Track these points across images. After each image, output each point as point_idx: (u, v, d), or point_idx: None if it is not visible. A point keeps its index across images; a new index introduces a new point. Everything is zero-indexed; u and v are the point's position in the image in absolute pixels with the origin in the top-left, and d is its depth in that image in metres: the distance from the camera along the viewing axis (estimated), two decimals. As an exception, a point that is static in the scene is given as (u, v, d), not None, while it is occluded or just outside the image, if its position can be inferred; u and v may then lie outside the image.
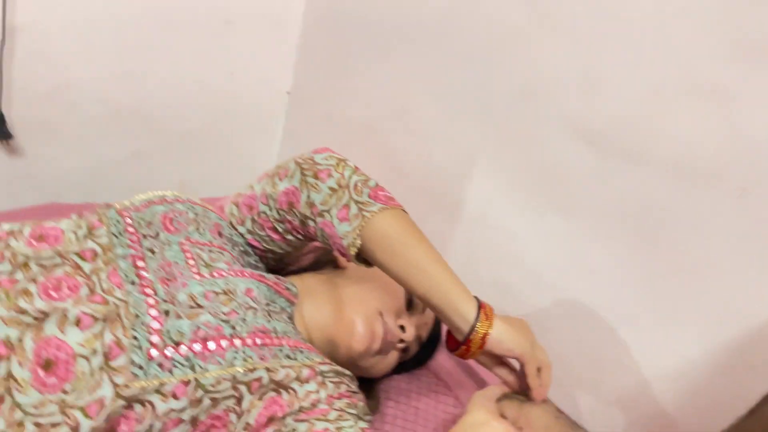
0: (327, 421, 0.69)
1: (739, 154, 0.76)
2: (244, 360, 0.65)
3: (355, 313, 0.82)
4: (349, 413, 0.72)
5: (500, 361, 0.78)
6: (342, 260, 0.94)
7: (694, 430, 0.85)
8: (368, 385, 0.91)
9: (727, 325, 0.79)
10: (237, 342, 0.65)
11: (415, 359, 0.95)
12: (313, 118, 1.59)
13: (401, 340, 0.85)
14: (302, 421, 0.69)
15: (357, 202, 0.77)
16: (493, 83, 1.08)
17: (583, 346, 0.97)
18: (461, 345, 0.74)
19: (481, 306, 0.74)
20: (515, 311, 1.08)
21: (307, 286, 0.87)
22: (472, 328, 0.72)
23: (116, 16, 1.31)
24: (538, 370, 0.75)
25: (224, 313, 0.66)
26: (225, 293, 0.68)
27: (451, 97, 1.17)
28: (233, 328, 0.66)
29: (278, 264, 0.93)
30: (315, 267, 0.95)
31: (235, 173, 1.71)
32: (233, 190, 1.63)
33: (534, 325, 1.04)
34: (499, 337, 0.73)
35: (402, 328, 0.85)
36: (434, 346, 0.99)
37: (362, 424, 0.72)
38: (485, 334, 0.72)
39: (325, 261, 0.96)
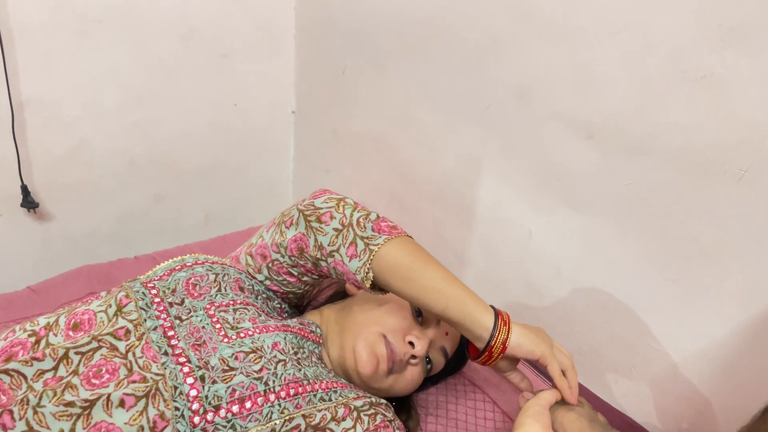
0: None
1: (736, 137, 0.76)
2: (281, 412, 0.69)
3: (357, 339, 0.84)
4: None
5: (515, 368, 0.81)
6: (351, 289, 0.97)
7: (729, 406, 0.87)
8: (405, 404, 0.94)
9: (747, 303, 0.80)
10: (272, 397, 0.69)
11: (449, 368, 0.97)
12: (321, 134, 1.61)
13: (413, 356, 0.86)
14: None
15: (362, 238, 0.79)
16: (487, 87, 1.09)
17: (612, 335, 0.99)
18: (483, 353, 0.77)
19: (498, 314, 0.77)
20: (541, 306, 1.10)
21: (326, 321, 0.90)
22: (492, 336, 0.75)
23: (118, 73, 1.35)
24: (563, 373, 0.77)
25: (256, 372, 0.70)
26: (254, 351, 0.72)
27: (448, 103, 1.18)
28: (266, 384, 0.69)
29: (300, 301, 0.96)
30: (334, 298, 0.98)
31: (256, 198, 1.76)
32: (256, 215, 1.69)
33: (561, 318, 1.07)
34: (518, 341, 0.75)
35: (411, 344, 0.86)
36: (462, 358, 1.01)
37: None
38: (505, 339, 0.75)
39: (339, 292, 0.99)
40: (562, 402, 0.78)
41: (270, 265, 0.88)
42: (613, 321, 0.98)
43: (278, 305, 0.90)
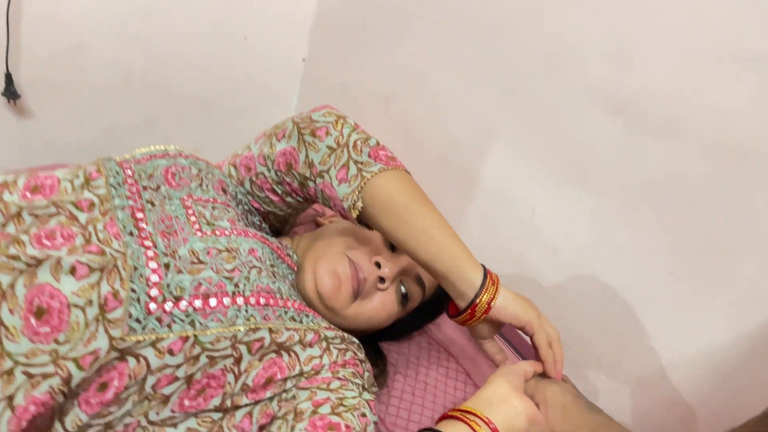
0: (329, 390, 0.67)
1: (778, 128, 0.71)
2: (247, 319, 0.62)
3: (316, 260, 0.78)
4: (353, 383, 0.69)
5: (493, 337, 0.77)
6: (323, 220, 0.91)
7: (715, 416, 0.82)
8: (376, 356, 0.88)
9: (756, 309, 0.75)
10: (239, 300, 0.63)
11: (416, 318, 0.91)
12: (329, 86, 1.55)
13: (382, 279, 0.80)
14: (304, 388, 0.67)
15: (357, 162, 0.73)
16: (515, 53, 1.03)
17: (603, 326, 0.94)
18: (465, 310, 0.72)
19: (487, 272, 0.72)
20: (532, 288, 1.05)
21: (300, 249, 0.84)
22: (478, 294, 0.70)
23: (128, -24, 1.27)
24: (549, 345, 0.73)
25: (227, 270, 0.63)
26: (228, 251, 0.66)
27: (471, 68, 1.12)
28: (236, 285, 0.63)
29: (281, 226, 0.90)
30: (308, 229, 0.92)
31: (249, 140, 1.68)
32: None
33: (551, 303, 1.02)
34: (505, 303, 0.71)
35: (378, 265, 0.80)
36: (437, 305, 0.92)
37: (367, 396, 0.69)
38: (491, 300, 0.70)
39: (317, 224, 0.94)
40: (545, 376, 0.73)
41: (254, 178, 0.81)
42: (606, 312, 0.93)
43: (258, 222, 0.84)
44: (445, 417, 0.64)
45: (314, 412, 0.64)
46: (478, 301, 0.70)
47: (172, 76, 1.45)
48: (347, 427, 0.64)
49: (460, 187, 1.16)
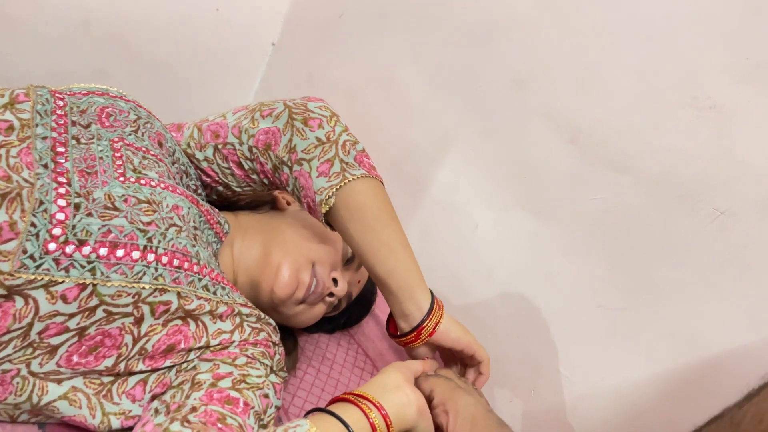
0: (233, 365, 0.63)
1: (725, 176, 0.72)
2: (155, 278, 0.57)
3: (284, 257, 0.76)
4: (261, 362, 0.65)
5: (431, 356, 0.79)
6: (282, 202, 0.88)
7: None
8: (291, 340, 0.85)
9: (679, 352, 0.75)
10: (150, 257, 0.58)
11: (341, 318, 0.91)
12: (294, 74, 1.51)
13: (331, 294, 0.79)
14: (206, 360, 0.63)
15: (342, 161, 0.73)
16: (486, 67, 1.02)
17: (524, 351, 0.93)
18: (410, 333, 0.73)
19: (434, 298, 0.74)
20: (461, 304, 1.03)
21: (242, 224, 0.80)
22: (425, 320, 0.72)
23: None
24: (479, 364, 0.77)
25: (143, 223, 0.59)
26: (148, 202, 0.61)
27: (439, 75, 1.11)
28: (149, 240, 0.58)
29: (219, 199, 0.85)
30: (252, 206, 0.88)
31: (201, 114, 1.62)
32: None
33: (477, 321, 1.00)
34: (448, 327, 0.73)
35: (335, 281, 0.79)
36: (365, 309, 0.96)
37: (274, 378, 0.66)
38: (437, 323, 0.72)
39: (264, 201, 0.90)
40: (462, 384, 0.72)
41: (220, 146, 0.78)
42: (529, 337, 0.92)
43: (193, 186, 0.79)
44: (337, 400, 0.62)
45: (213, 384, 0.60)
46: (425, 325, 0.71)
47: (134, 31, 1.39)
48: (246, 404, 0.60)
49: (407, 192, 1.14)
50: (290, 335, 0.86)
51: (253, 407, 0.61)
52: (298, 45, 1.51)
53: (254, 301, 0.74)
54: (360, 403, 0.61)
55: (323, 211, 0.71)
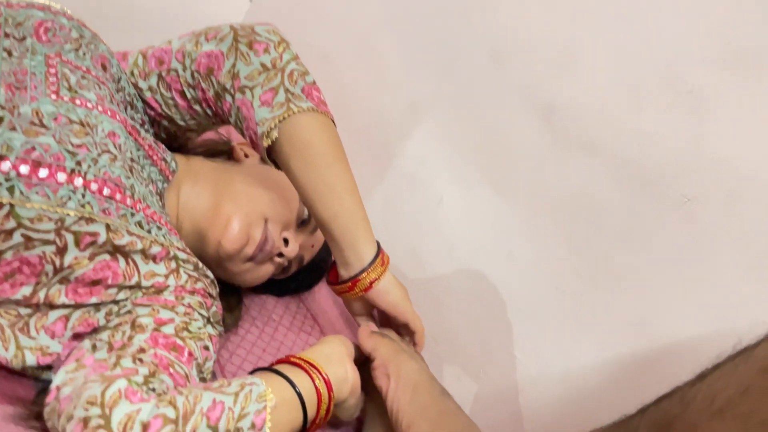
0: (174, 312, 0.59)
1: (695, 163, 0.70)
2: (81, 206, 0.53)
3: (236, 210, 0.71)
4: (199, 312, 0.62)
5: (369, 314, 0.77)
6: (239, 154, 0.83)
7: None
8: (234, 300, 0.81)
9: (633, 338, 0.73)
10: (78, 181, 0.53)
11: (291, 283, 0.87)
12: (269, 33, 1.46)
13: (281, 254, 0.76)
14: (143, 305, 0.58)
15: (287, 91, 0.67)
16: (465, 40, 0.99)
17: (477, 330, 0.91)
18: (346, 282, 0.69)
19: (380, 251, 0.70)
20: (418, 278, 1.00)
21: (193, 168, 0.75)
22: (364, 270, 0.68)
23: None
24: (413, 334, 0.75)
25: (72, 144, 0.54)
26: (82, 125, 0.56)
27: (417, 43, 1.07)
28: (78, 164, 0.54)
29: (168, 138, 0.80)
30: (207, 155, 0.83)
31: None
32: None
33: (432, 297, 0.98)
34: (387, 287, 0.70)
35: (285, 241, 0.75)
36: (317, 276, 0.91)
37: (211, 330, 0.62)
38: (375, 280, 0.69)
39: (220, 151, 0.85)
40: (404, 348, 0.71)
41: (164, 74, 0.72)
42: (483, 316, 0.90)
43: (139, 119, 0.74)
44: (283, 362, 0.59)
45: (156, 329, 0.57)
46: (361, 276, 0.68)
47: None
48: (190, 353, 0.57)
49: (375, 160, 1.11)
50: (235, 292, 0.82)
51: (195, 358, 0.58)
52: (276, 3, 1.46)
53: (198, 253, 0.70)
54: (309, 370, 0.58)
55: (265, 145, 0.67)
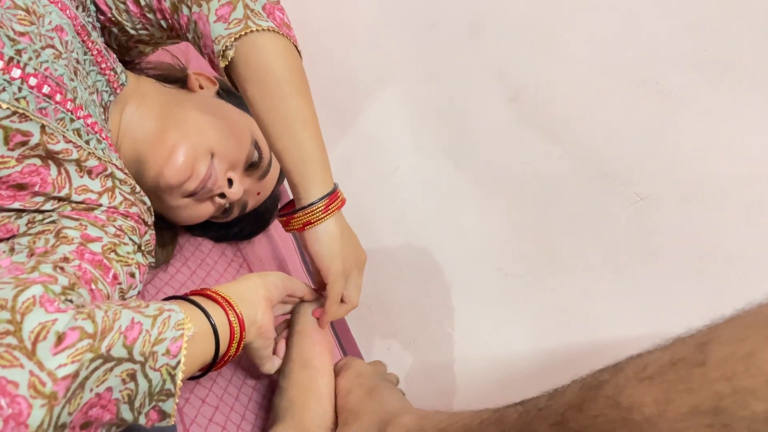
0: (103, 231, 0.55)
1: (654, 162, 0.70)
2: (16, 100, 0.48)
3: (183, 139, 0.67)
4: (130, 237, 0.58)
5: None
6: (194, 83, 0.78)
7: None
8: (169, 236, 0.77)
9: (568, 328, 0.74)
10: (15, 72, 0.48)
11: (231, 230, 0.83)
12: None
13: (223, 195, 0.72)
14: (70, 218, 0.54)
15: (246, 6, 0.61)
16: (445, 6, 0.96)
17: (413, 301, 0.90)
18: (282, 216, 0.66)
19: (331, 195, 0.64)
20: (362, 242, 0.98)
21: (142, 88, 0.70)
22: (302, 208, 0.64)
23: None
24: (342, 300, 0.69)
25: (14, 31, 0.49)
26: (27, 12, 0.51)
27: (396, 5, 1.04)
28: (18, 53, 0.49)
29: (120, 52, 0.74)
30: (160, 78, 0.78)
31: None
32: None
33: (373, 263, 0.95)
34: (319, 235, 0.65)
35: (230, 182, 0.72)
36: (260, 226, 0.87)
37: (140, 258, 0.58)
38: (308, 223, 0.64)
39: (175, 78, 0.80)
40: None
41: None
42: (422, 288, 0.89)
43: (90, 22, 0.68)
44: (198, 293, 0.56)
45: (83, 244, 0.53)
46: (296, 215, 0.64)
47: None
48: (114, 276, 0.53)
49: (336, 119, 1.08)
50: (170, 228, 0.78)
51: (120, 282, 0.55)
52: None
53: (134, 178, 0.65)
54: (224, 305, 0.55)
55: (222, 65, 0.62)
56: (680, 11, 0.70)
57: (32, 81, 0.50)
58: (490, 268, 0.82)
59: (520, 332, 0.77)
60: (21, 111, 0.48)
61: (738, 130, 0.64)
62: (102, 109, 0.62)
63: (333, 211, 0.65)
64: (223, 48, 0.60)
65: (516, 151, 0.83)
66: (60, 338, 0.39)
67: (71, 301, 0.44)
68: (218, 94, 0.79)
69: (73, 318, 0.41)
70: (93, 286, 0.50)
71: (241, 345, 0.57)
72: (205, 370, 0.55)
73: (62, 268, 0.47)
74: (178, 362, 0.47)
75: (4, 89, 0.47)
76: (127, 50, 0.74)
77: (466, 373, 0.82)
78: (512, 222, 0.81)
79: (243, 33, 0.60)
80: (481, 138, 0.87)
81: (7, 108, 0.47)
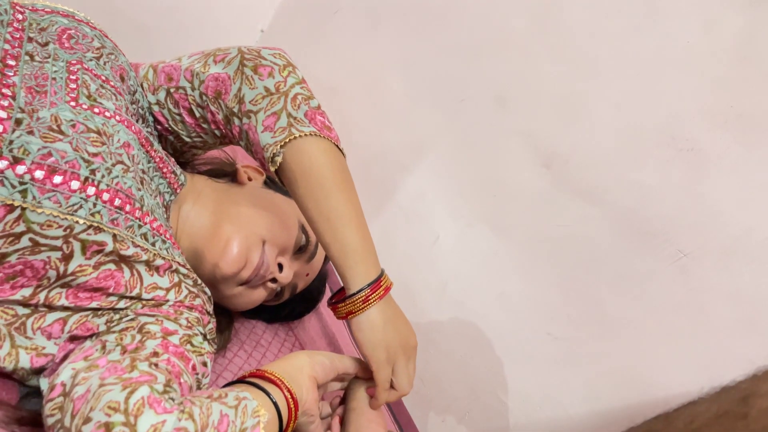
0: (177, 324, 0.59)
1: (693, 218, 0.72)
2: (91, 214, 0.53)
3: (236, 232, 0.71)
4: (197, 329, 0.61)
5: None
6: (243, 176, 0.83)
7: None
8: (225, 322, 0.80)
9: (621, 389, 0.73)
10: (90, 190, 0.53)
11: (282, 311, 0.86)
12: (278, 63, 1.48)
13: (274, 280, 0.75)
14: (147, 315, 0.58)
15: (290, 116, 0.66)
16: (472, 82, 1.01)
17: (464, 371, 0.90)
18: (333, 304, 0.68)
19: (374, 284, 0.66)
20: (409, 314, 0.99)
21: (196, 187, 0.75)
22: (344, 300, 0.66)
23: None
24: (392, 386, 0.69)
25: (88, 153, 0.54)
26: (98, 133, 0.56)
27: (425, 84, 1.09)
28: (93, 173, 0.54)
29: (173, 155, 0.80)
30: (211, 174, 0.83)
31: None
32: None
33: (422, 335, 0.95)
34: (362, 325, 0.66)
35: (280, 267, 0.75)
36: (309, 306, 0.90)
37: (208, 347, 0.61)
38: (351, 313, 0.66)
39: (224, 172, 0.85)
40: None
41: (172, 90, 0.72)
42: (472, 357, 0.90)
43: (150, 130, 0.74)
44: (256, 375, 0.58)
45: (164, 338, 0.57)
46: (339, 306, 0.66)
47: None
48: (194, 367, 0.58)
49: (373, 195, 1.12)
50: (226, 313, 0.81)
51: (197, 373, 0.58)
52: (287, 35, 1.48)
53: (198, 273, 0.69)
54: (281, 385, 0.58)
55: (272, 170, 0.67)
56: (703, 68, 0.73)
57: (105, 196, 0.54)
58: (539, 332, 0.82)
59: (573, 395, 0.77)
60: (96, 224, 0.53)
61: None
62: (164, 209, 0.67)
63: (374, 301, 0.66)
64: (272, 155, 0.65)
65: (554, 214, 0.85)
66: None
67: (173, 398, 0.48)
68: (265, 183, 0.84)
69: (178, 419, 0.46)
70: (181, 380, 0.53)
71: (296, 422, 0.59)
72: None
73: (156, 365, 0.52)
74: None
75: (81, 206, 0.52)
76: (181, 154, 0.79)
77: (525, 439, 0.82)
78: (557, 285, 0.82)
79: (288, 140, 0.65)
80: (517, 204, 0.89)
81: (84, 223, 0.52)
